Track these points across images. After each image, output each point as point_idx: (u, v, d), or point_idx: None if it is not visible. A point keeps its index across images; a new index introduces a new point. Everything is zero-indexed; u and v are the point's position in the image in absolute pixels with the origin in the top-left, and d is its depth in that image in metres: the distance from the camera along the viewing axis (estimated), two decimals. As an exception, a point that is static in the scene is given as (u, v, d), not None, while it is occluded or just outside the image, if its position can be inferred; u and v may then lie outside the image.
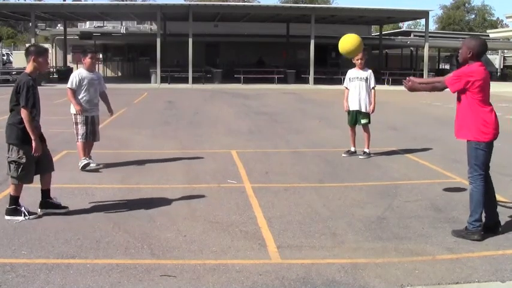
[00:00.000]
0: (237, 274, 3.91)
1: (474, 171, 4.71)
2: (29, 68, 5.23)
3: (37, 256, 4.21)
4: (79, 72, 7.47)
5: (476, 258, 4.25)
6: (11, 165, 5.10)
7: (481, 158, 4.67)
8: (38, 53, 5.22)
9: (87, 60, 7.43)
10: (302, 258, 4.24)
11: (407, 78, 5.09)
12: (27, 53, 5.26)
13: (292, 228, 4.97)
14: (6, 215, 5.10)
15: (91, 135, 7.58)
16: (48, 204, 5.33)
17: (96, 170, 7.37)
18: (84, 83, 7.37)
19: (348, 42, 5.66)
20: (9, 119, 5.14)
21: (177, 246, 4.48)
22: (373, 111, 8.50)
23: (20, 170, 5.08)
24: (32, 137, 5.01)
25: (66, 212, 5.34)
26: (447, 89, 4.88)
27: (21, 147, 5.07)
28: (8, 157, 5.11)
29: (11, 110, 5.13)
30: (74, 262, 4.09)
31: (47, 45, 43.10)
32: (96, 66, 8.26)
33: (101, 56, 40.77)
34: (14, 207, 5.11)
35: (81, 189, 6.29)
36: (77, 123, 7.44)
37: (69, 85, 7.38)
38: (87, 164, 7.34)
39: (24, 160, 5.06)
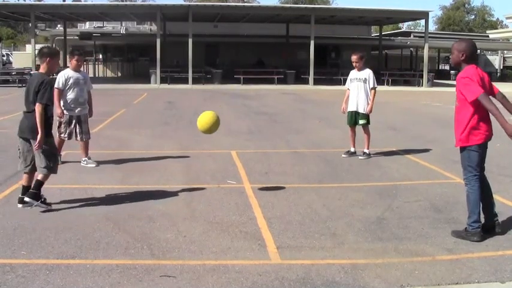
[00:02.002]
0: (236, 274, 3.91)
1: (468, 173, 4.71)
2: (43, 68, 5.53)
3: (37, 256, 4.21)
4: (65, 72, 7.67)
5: (476, 259, 4.26)
6: (44, 157, 5.36)
7: (474, 159, 4.66)
8: (51, 55, 5.55)
9: (73, 62, 7.70)
10: (302, 258, 4.24)
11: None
12: (42, 54, 5.54)
13: (292, 228, 4.97)
14: (27, 196, 5.37)
15: (80, 135, 7.68)
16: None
17: (95, 170, 7.37)
18: (70, 82, 7.57)
19: (203, 121, 5.94)
20: (30, 117, 5.37)
21: (176, 246, 4.48)
22: (370, 111, 8.47)
23: (51, 160, 5.43)
24: (40, 132, 5.25)
25: (66, 212, 5.35)
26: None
27: (48, 140, 5.42)
28: (43, 151, 5.36)
29: (32, 110, 5.32)
30: (74, 262, 4.09)
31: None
32: (85, 66, 8.48)
33: (100, 56, 40.92)
34: (37, 192, 5.38)
35: (81, 189, 6.29)
36: (60, 122, 7.63)
37: (56, 85, 7.54)
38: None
39: (54, 151, 5.52)
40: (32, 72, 27.35)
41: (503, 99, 4.77)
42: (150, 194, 6.14)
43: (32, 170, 5.56)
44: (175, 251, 4.37)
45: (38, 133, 5.25)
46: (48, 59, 5.49)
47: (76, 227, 4.91)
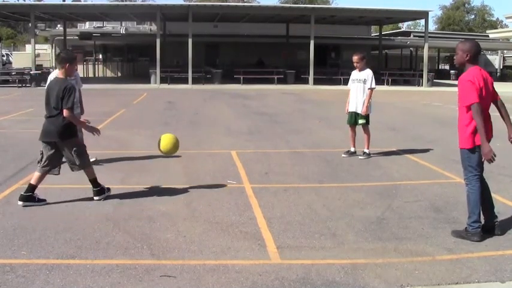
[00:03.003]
0: (236, 274, 3.91)
1: (469, 173, 4.72)
2: (62, 73, 5.77)
3: (37, 256, 4.21)
4: (55, 73, 7.56)
5: (476, 259, 4.26)
6: (77, 155, 5.67)
7: (474, 159, 4.67)
8: (70, 60, 5.81)
9: None
10: (302, 258, 4.24)
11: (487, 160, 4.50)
12: (60, 60, 5.79)
13: (292, 228, 4.97)
14: (95, 195, 5.83)
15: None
16: (30, 197, 5.59)
17: (95, 170, 7.37)
18: None
19: (164, 143, 6.16)
20: (55, 121, 5.56)
21: (177, 246, 4.48)
22: (364, 112, 8.36)
23: (84, 156, 5.80)
24: (83, 126, 5.95)
25: (66, 212, 5.36)
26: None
27: (76, 139, 5.79)
28: (76, 149, 5.68)
29: (56, 114, 5.56)
30: (74, 262, 4.09)
31: (46, 46, 43.15)
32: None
33: (100, 56, 40.94)
34: (100, 188, 5.85)
35: (81, 189, 6.28)
36: None
37: (47, 87, 7.48)
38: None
39: (83, 148, 5.85)
40: (31, 72, 27.39)
41: (502, 106, 4.82)
42: (150, 194, 6.14)
43: (50, 171, 5.74)
44: (175, 251, 4.38)
45: (83, 127, 5.95)
46: (67, 64, 5.74)
47: (76, 227, 4.91)
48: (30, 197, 5.56)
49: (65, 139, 5.61)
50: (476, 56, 4.66)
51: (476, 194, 4.66)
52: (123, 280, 3.78)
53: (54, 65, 37.10)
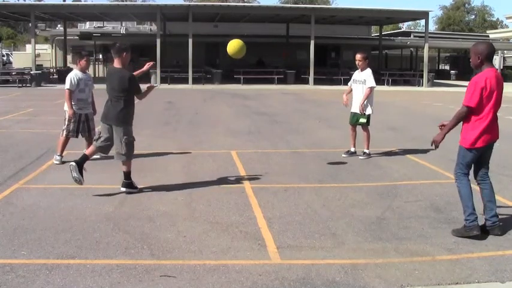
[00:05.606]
0: (236, 274, 3.91)
1: (459, 169, 4.81)
2: (119, 63, 6.03)
3: (37, 256, 4.21)
4: (75, 74, 7.90)
5: (476, 259, 4.26)
6: (125, 144, 5.98)
7: (467, 159, 4.75)
8: (127, 50, 6.10)
9: (82, 62, 7.97)
10: (302, 258, 4.24)
11: (433, 141, 4.94)
12: (118, 49, 6.01)
13: (292, 228, 4.97)
14: (123, 187, 6.10)
15: (92, 131, 7.95)
16: (81, 166, 6.00)
17: (95, 170, 7.37)
18: (81, 83, 7.85)
19: (232, 47, 6.44)
20: (116, 106, 5.96)
21: (176, 246, 4.48)
22: (361, 110, 8.33)
23: (131, 147, 6.08)
24: (148, 91, 6.34)
25: (66, 212, 5.36)
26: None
27: (130, 128, 6.08)
28: (126, 138, 5.99)
29: (116, 101, 5.95)
30: (74, 262, 4.10)
31: (46, 46, 43.11)
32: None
33: (100, 56, 40.96)
34: (130, 181, 6.13)
35: (81, 189, 6.28)
36: (69, 120, 7.86)
37: (68, 86, 7.83)
38: (59, 162, 7.81)
39: (133, 139, 6.12)
40: (32, 72, 27.37)
41: None
42: (150, 194, 6.15)
43: (101, 150, 6.28)
44: (175, 251, 4.38)
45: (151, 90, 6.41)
46: (124, 53, 6.02)
47: (76, 227, 4.91)
48: (81, 166, 5.95)
49: (119, 125, 5.96)
50: (489, 57, 4.67)
51: (466, 188, 4.75)
52: (123, 280, 3.79)
53: (54, 64, 37.20)
